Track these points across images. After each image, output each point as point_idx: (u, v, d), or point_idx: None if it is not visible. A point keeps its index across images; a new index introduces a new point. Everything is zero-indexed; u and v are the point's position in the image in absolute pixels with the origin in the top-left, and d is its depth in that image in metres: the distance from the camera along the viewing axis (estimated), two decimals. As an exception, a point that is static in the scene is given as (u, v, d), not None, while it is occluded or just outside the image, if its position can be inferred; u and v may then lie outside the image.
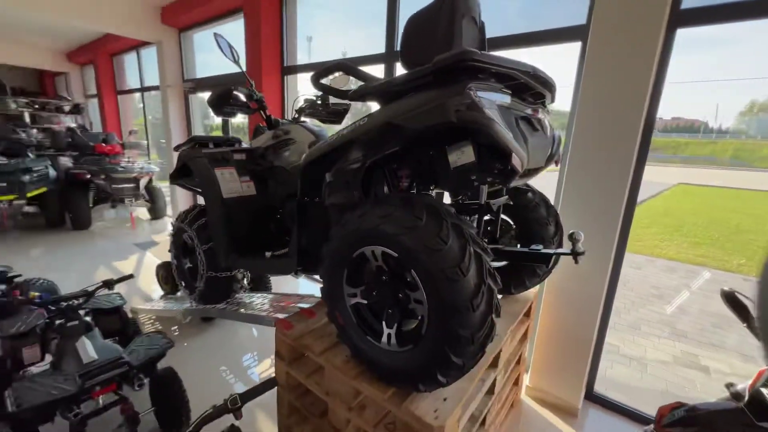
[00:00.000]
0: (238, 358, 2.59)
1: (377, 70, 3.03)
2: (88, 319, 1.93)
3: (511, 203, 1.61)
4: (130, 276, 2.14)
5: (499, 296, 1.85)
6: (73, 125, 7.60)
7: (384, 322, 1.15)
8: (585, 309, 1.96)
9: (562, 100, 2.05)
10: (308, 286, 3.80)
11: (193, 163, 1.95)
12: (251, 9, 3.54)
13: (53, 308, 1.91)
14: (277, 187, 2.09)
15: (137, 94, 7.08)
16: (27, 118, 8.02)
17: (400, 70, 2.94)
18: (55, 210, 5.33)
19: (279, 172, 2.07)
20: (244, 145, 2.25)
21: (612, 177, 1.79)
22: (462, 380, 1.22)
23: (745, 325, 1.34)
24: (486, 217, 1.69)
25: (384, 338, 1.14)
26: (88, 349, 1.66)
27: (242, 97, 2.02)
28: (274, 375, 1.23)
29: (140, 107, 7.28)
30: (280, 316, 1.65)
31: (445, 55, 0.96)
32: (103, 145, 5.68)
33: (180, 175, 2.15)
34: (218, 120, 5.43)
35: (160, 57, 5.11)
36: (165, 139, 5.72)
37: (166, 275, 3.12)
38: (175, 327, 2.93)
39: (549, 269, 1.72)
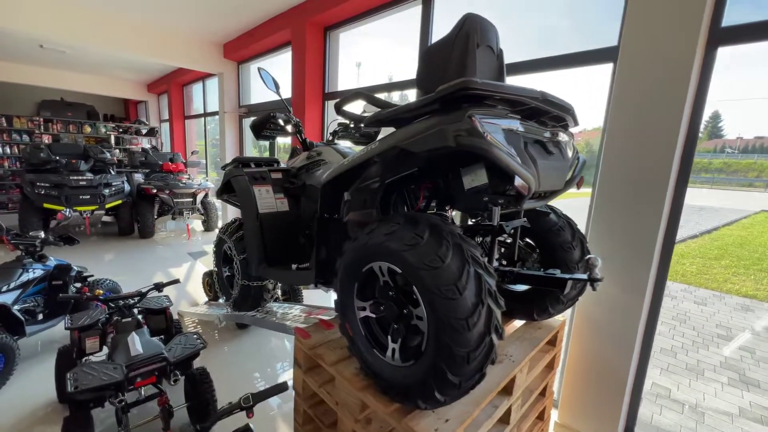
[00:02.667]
0: (270, 365, 2.72)
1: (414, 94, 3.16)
2: (139, 317, 2.17)
3: (529, 226, 1.58)
4: (177, 281, 2.38)
5: (522, 322, 1.81)
6: (148, 146, 8.68)
7: (389, 337, 1.18)
8: (619, 342, 1.82)
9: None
10: (339, 301, 3.89)
11: (235, 181, 2.16)
12: (298, 42, 3.90)
13: (113, 305, 2.18)
14: (308, 204, 2.24)
15: (201, 119, 7.94)
16: (112, 140, 9.30)
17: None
18: (127, 220, 6.06)
19: (310, 190, 2.23)
20: (282, 165, 2.46)
21: (646, 202, 1.70)
22: (468, 403, 1.21)
23: None
24: (508, 240, 1.68)
25: (389, 352, 1.17)
26: (136, 343, 1.87)
27: (281, 122, 2.23)
28: (285, 380, 1.31)
29: (202, 130, 8.14)
30: (299, 325, 1.74)
31: (446, 84, 1.02)
32: (170, 163, 6.40)
33: (225, 191, 2.39)
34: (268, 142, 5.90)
35: (221, 86, 5.74)
36: (221, 158, 6.32)
37: (211, 283, 3.40)
38: (216, 331, 3.15)
39: (574, 296, 1.64)
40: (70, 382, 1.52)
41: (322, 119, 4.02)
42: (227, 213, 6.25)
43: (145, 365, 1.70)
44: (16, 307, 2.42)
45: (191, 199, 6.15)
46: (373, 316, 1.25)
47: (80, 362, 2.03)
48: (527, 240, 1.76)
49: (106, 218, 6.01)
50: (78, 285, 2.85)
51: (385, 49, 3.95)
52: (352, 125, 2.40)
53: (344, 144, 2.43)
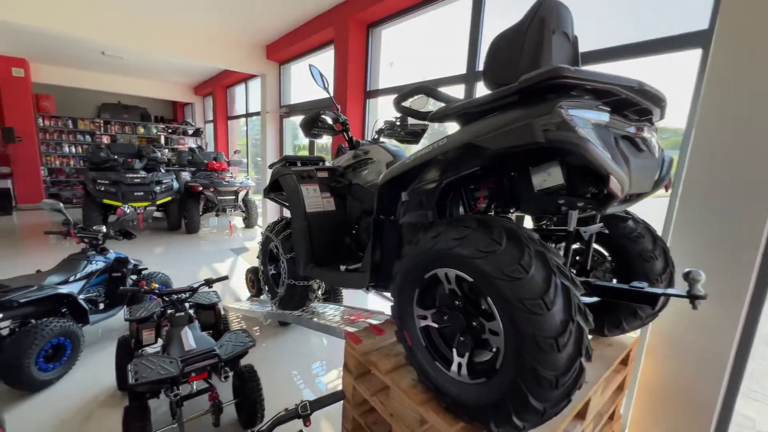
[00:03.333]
0: (308, 364, 2.71)
1: (457, 91, 3.04)
2: (191, 311, 2.23)
3: (607, 232, 1.42)
4: (226, 277, 2.43)
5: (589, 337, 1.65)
6: (194, 146, 9.13)
7: (455, 350, 1.09)
8: (706, 364, 1.61)
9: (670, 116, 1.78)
10: (377, 302, 3.85)
11: (283, 180, 2.16)
12: (341, 40, 3.89)
13: (166, 299, 2.25)
14: (354, 204, 2.19)
15: (242, 119, 8.23)
16: (162, 140, 9.88)
17: (481, 90, 2.90)
18: (175, 216, 6.39)
19: (357, 189, 2.18)
20: (327, 164, 2.43)
21: (748, 205, 1.47)
22: (543, 428, 1.09)
23: None
24: (574, 246, 1.53)
25: (454, 366, 1.08)
26: (189, 338, 1.91)
27: (329, 120, 2.20)
28: (341, 389, 1.26)
29: (243, 130, 8.44)
30: (350, 329, 1.69)
31: (532, 73, 0.91)
32: (214, 162, 6.67)
33: (272, 190, 2.40)
34: (305, 141, 6.00)
35: (263, 87, 5.89)
36: (261, 157, 6.50)
37: (254, 279, 3.46)
38: (257, 327, 3.21)
39: (655, 312, 1.46)
40: (131, 374, 1.56)
41: (363, 117, 3.99)
42: (267, 211, 6.41)
43: (199, 360, 1.72)
44: (81, 296, 2.58)
45: (234, 197, 6.37)
46: (435, 326, 1.16)
47: (138, 353, 2.11)
48: (596, 247, 1.60)
49: (156, 214, 6.37)
50: (134, 277, 3.00)
51: (418, 47, 3.85)
52: (398, 123, 2.32)
53: (390, 143, 2.36)
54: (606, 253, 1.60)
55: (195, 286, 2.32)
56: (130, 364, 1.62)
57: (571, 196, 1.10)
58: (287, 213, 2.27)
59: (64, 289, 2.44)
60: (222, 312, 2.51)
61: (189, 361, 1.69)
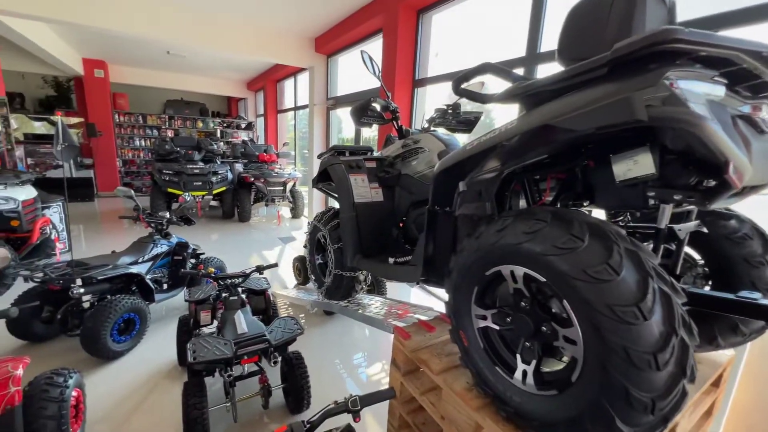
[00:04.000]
0: (351, 354, 2.72)
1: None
2: (243, 296, 2.32)
3: (705, 231, 1.22)
4: (275, 265, 2.49)
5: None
6: (246, 139, 9.61)
7: (518, 355, 0.99)
8: (823, 395, 1.34)
9: None
10: (421, 296, 3.77)
11: (332, 169, 2.15)
12: (390, 28, 3.80)
13: (222, 283, 2.35)
14: (403, 195, 2.12)
15: (290, 113, 8.48)
16: (218, 134, 10.52)
17: (542, 74, 2.67)
18: (229, 205, 6.77)
19: (406, 180, 2.11)
20: (376, 153, 2.38)
21: None
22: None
23: None
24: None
25: (518, 374, 0.98)
26: (242, 322, 1.97)
27: (378, 108, 2.14)
28: (386, 382, 1.21)
29: (291, 124, 8.70)
30: (398, 323, 1.64)
31: (632, 38, 0.77)
32: (264, 154, 6.96)
33: (320, 180, 2.41)
34: (350, 133, 6.02)
35: (311, 80, 5.99)
36: (308, 149, 6.65)
37: (301, 268, 3.55)
38: (302, 314, 3.28)
39: (761, 328, 1.23)
40: (190, 353, 1.64)
41: (411, 106, 3.89)
42: (313, 202, 6.57)
43: (250, 344, 1.77)
44: (148, 276, 2.79)
45: (282, 188, 6.61)
46: (496, 327, 1.06)
47: (196, 332, 2.23)
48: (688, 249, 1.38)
49: (212, 203, 6.81)
50: (193, 261, 3.20)
51: (469, 33, 3.63)
52: (450, 111, 2.20)
53: (442, 131, 2.25)
54: (696, 256, 1.38)
55: (247, 271, 2.40)
56: (189, 343, 1.71)
57: (665, 188, 0.94)
58: (333, 203, 2.26)
59: (134, 269, 2.66)
60: (271, 298, 2.59)
61: (242, 344, 1.75)
